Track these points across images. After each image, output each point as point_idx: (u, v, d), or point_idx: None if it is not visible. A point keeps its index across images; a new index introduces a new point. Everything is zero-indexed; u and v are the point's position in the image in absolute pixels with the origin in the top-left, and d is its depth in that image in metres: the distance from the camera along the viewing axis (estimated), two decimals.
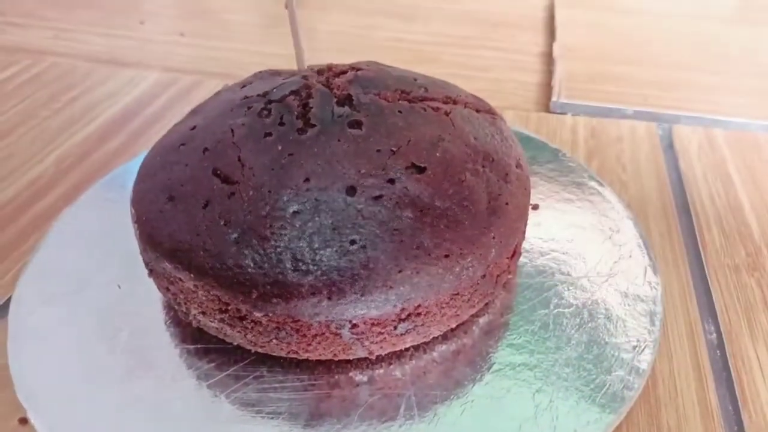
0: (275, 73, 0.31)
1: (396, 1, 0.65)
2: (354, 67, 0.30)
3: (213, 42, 0.60)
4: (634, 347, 0.28)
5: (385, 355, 0.27)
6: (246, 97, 0.28)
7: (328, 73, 0.29)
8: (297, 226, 0.24)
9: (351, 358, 0.27)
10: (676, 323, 0.31)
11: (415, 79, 0.30)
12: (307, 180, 0.25)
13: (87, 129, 0.46)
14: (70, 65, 0.55)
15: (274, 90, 0.28)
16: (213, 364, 0.27)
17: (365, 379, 0.27)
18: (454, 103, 0.30)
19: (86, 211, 0.35)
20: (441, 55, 0.53)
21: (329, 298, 0.24)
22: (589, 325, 0.29)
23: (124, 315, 0.29)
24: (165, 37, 0.61)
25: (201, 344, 0.28)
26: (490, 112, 0.31)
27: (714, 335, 0.30)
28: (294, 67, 0.32)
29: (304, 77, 0.28)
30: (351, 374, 0.27)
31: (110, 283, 0.31)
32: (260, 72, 0.32)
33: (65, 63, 0.55)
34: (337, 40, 0.58)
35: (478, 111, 0.30)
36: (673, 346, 0.30)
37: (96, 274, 0.31)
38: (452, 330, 0.28)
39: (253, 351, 0.27)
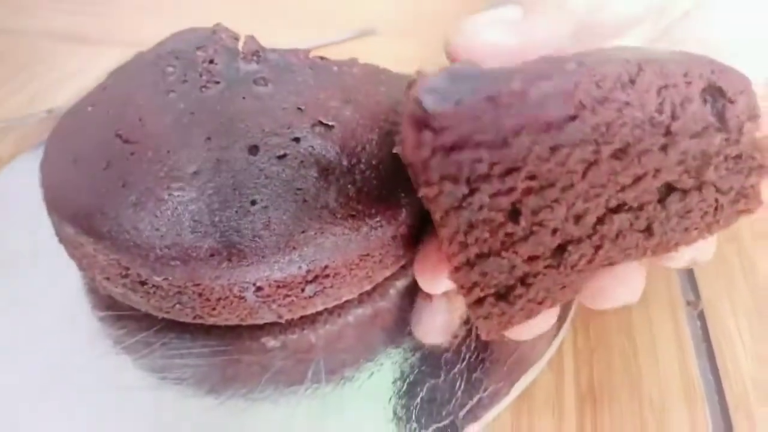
0: (192, 31, 0.30)
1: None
2: None
3: (179, 18, 0.59)
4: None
5: (299, 319, 0.26)
6: (157, 56, 0.27)
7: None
8: (196, 186, 0.23)
9: (262, 323, 0.26)
10: (656, 294, 0.30)
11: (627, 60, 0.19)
12: (208, 139, 0.24)
13: (47, 108, 0.46)
14: (29, 43, 0.54)
15: (182, 46, 0.27)
16: (124, 330, 0.26)
17: (278, 344, 0.26)
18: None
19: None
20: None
21: (229, 260, 0.23)
22: None
23: (41, 285, 0.29)
24: (129, 12, 0.60)
25: (113, 311, 0.27)
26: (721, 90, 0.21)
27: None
28: None
29: (215, 32, 0.27)
30: (263, 340, 0.26)
31: (30, 250, 0.30)
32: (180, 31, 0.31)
33: (24, 41, 0.55)
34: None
35: None
36: (654, 318, 0.29)
37: (10, 242, 0.30)
38: (369, 293, 0.27)
39: (160, 317, 0.26)
